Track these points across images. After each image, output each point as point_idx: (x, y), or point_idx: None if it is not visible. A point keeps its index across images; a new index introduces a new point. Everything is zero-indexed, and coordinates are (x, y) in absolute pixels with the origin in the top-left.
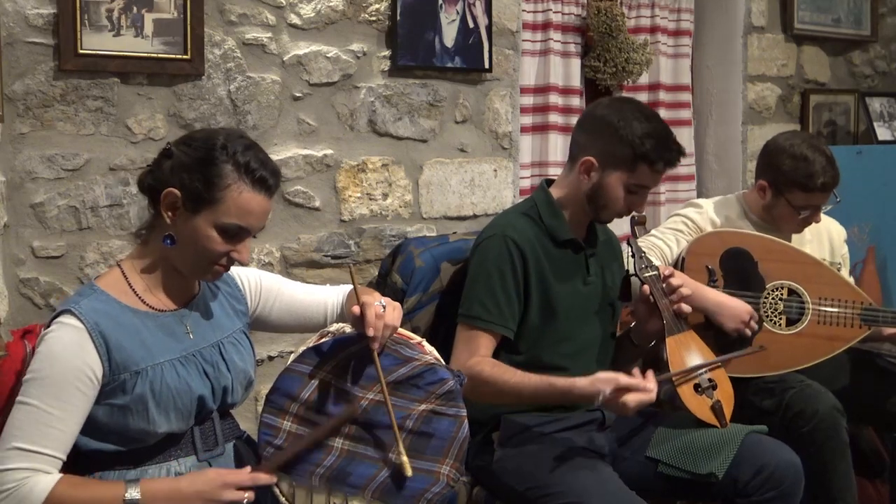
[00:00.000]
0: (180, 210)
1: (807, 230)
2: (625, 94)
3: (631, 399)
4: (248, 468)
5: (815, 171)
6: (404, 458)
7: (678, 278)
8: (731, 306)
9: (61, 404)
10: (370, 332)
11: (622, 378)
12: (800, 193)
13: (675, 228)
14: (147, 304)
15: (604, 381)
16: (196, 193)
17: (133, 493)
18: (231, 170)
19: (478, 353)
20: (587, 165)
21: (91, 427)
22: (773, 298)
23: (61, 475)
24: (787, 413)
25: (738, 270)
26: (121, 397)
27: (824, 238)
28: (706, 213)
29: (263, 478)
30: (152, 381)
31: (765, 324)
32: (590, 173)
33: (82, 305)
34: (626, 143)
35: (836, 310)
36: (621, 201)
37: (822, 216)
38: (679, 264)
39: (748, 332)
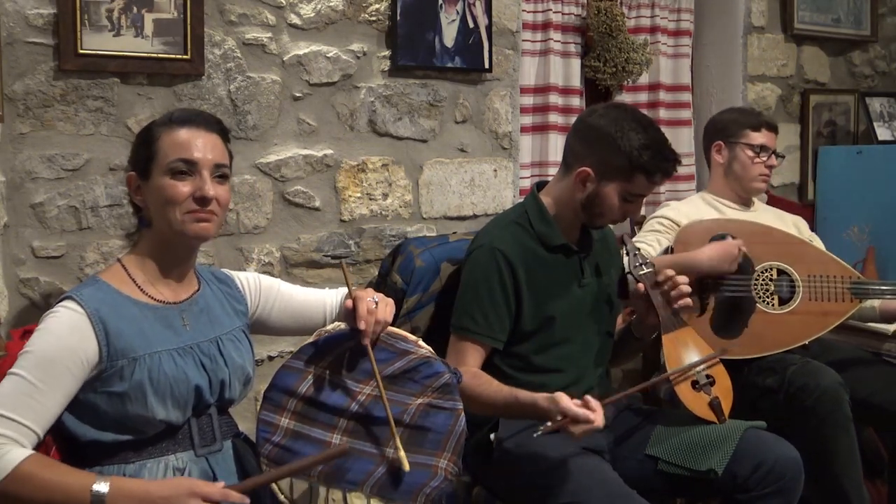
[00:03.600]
0: (141, 186)
1: (775, 217)
2: (625, 94)
3: (577, 430)
4: (222, 483)
5: (754, 113)
6: (401, 454)
7: (660, 262)
8: (719, 255)
9: (49, 380)
10: (361, 326)
11: (564, 403)
12: (752, 133)
13: (654, 230)
14: (147, 296)
15: (556, 402)
16: (142, 161)
17: (102, 485)
18: (158, 127)
19: (464, 364)
20: (583, 176)
21: (91, 415)
22: (763, 280)
23: (33, 452)
24: (791, 388)
25: None
26: (119, 384)
27: (790, 224)
28: (679, 210)
29: (235, 496)
30: (150, 369)
31: (758, 304)
32: (586, 184)
33: (84, 293)
34: (624, 155)
35: (826, 285)
36: (617, 210)
37: (786, 213)
38: None
39: (738, 261)
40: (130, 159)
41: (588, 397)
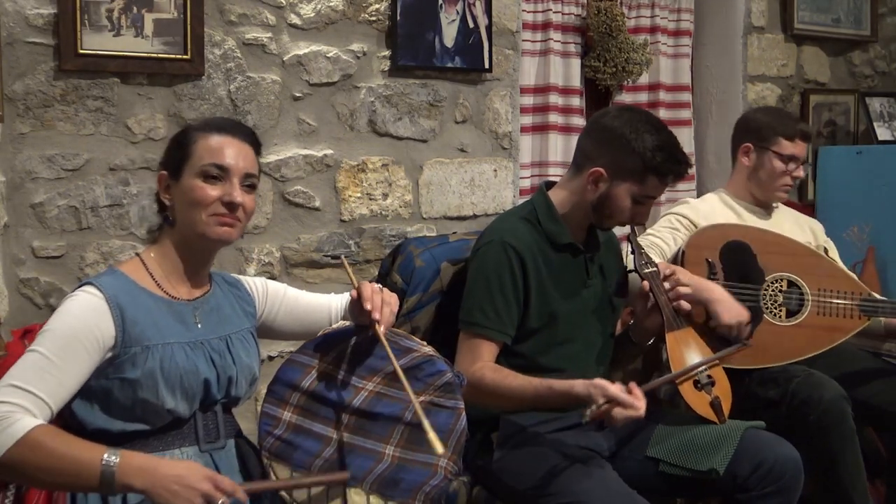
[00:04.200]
0: (171, 185)
1: (792, 222)
2: (625, 94)
3: (618, 413)
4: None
5: (790, 119)
6: (431, 436)
7: (681, 275)
8: (732, 302)
9: (66, 356)
10: (367, 306)
11: (612, 389)
12: (785, 142)
13: (671, 226)
14: (163, 290)
15: (598, 387)
16: (175, 161)
17: (112, 456)
18: (195, 131)
19: (480, 360)
20: (596, 176)
21: (101, 402)
22: (773, 290)
23: (44, 422)
24: (793, 401)
25: (737, 263)
26: (131, 371)
27: (806, 230)
28: (697, 209)
29: (241, 495)
30: (162, 359)
31: (765, 315)
32: (598, 184)
33: (103, 280)
34: (638, 156)
35: (835, 301)
36: (628, 211)
37: (802, 216)
38: (679, 257)
39: (743, 332)
40: (163, 158)
41: (633, 384)
